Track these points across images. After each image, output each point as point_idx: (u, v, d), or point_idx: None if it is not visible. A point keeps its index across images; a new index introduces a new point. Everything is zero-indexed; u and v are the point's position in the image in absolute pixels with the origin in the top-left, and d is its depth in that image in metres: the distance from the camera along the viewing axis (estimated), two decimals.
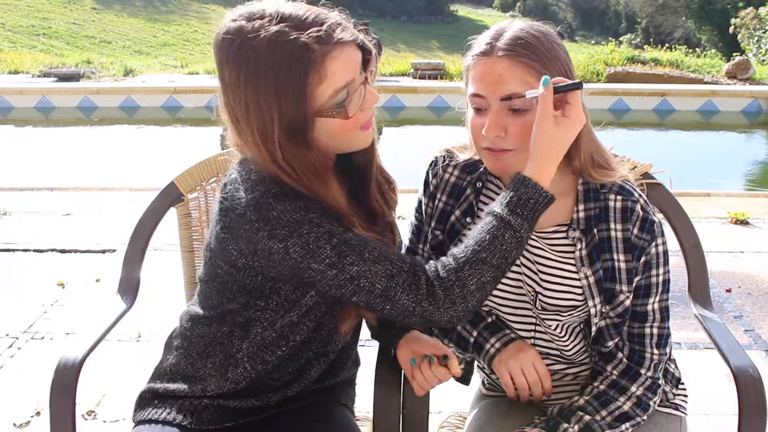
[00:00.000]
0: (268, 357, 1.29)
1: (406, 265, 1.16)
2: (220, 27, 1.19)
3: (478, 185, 1.39)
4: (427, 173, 1.44)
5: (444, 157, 1.43)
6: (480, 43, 1.24)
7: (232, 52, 1.15)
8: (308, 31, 1.12)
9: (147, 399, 1.36)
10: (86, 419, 2.42)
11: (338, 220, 1.17)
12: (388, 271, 1.14)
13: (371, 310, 1.18)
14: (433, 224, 1.42)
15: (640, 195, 1.30)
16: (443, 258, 1.18)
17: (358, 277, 1.13)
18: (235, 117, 1.18)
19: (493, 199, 1.38)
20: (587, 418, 1.27)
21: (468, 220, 1.38)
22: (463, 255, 1.15)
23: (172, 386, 1.34)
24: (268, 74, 1.12)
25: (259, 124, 1.15)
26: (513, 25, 1.24)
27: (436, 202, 1.42)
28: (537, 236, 1.33)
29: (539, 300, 1.32)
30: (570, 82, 1.17)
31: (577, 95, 1.17)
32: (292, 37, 1.11)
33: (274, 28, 1.12)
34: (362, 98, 1.18)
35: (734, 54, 11.97)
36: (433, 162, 1.44)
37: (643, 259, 1.28)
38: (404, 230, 1.49)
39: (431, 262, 1.18)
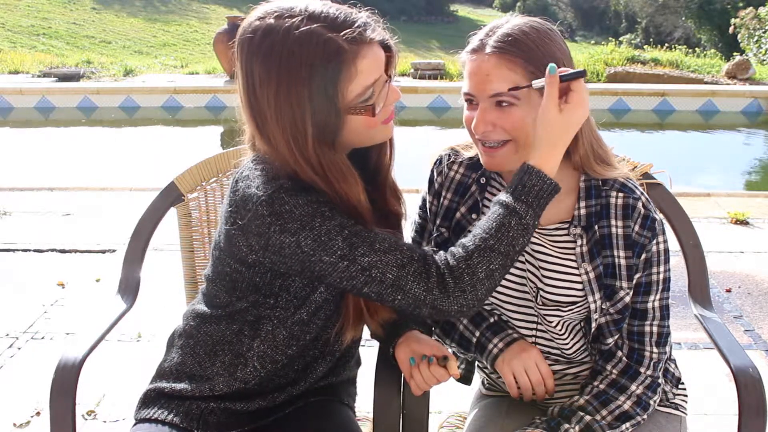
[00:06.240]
0: (278, 356, 1.30)
1: (416, 254, 1.16)
2: (244, 24, 1.19)
3: (482, 181, 1.39)
4: (432, 171, 1.44)
5: (449, 155, 1.44)
6: (475, 39, 1.26)
7: (262, 50, 1.14)
8: (342, 33, 1.13)
9: (152, 397, 1.36)
10: (86, 419, 2.42)
11: (349, 214, 1.18)
12: (398, 260, 1.14)
13: (382, 301, 1.17)
14: (438, 222, 1.42)
15: (641, 193, 1.30)
16: (452, 248, 1.18)
17: (370, 267, 1.14)
18: (261, 115, 1.18)
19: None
20: (588, 418, 1.27)
21: (473, 216, 1.38)
22: (471, 243, 1.16)
23: (178, 386, 1.34)
24: (301, 73, 1.12)
25: (290, 122, 1.15)
26: (509, 22, 1.25)
27: (441, 199, 1.42)
28: (539, 233, 1.33)
29: (540, 295, 1.32)
30: (573, 70, 1.18)
31: (580, 82, 1.17)
32: (326, 38, 1.12)
33: (307, 28, 1.12)
34: (386, 95, 1.22)
35: (734, 54, 11.96)
36: (437, 160, 1.45)
37: (643, 256, 1.28)
38: (407, 230, 1.48)
39: (440, 252, 1.19)
